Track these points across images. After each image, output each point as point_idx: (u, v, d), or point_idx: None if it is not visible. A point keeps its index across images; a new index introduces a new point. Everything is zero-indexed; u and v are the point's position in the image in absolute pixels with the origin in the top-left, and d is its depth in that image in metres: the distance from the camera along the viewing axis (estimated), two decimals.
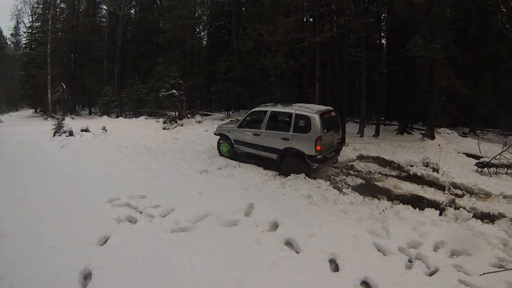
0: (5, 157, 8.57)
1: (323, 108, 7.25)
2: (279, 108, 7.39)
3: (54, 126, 11.98)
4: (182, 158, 7.97)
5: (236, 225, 4.27)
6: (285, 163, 6.76)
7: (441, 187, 6.17)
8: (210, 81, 20.53)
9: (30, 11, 33.69)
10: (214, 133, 8.72)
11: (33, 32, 33.13)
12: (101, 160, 7.83)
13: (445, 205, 5.09)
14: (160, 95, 15.80)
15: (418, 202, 5.16)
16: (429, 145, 10.67)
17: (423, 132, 13.29)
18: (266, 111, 7.40)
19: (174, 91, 15.11)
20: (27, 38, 34.82)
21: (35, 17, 32.63)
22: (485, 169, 7.39)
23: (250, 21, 19.17)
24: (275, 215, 4.43)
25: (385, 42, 17.98)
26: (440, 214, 4.71)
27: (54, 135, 11.52)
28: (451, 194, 5.85)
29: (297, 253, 3.67)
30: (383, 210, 4.65)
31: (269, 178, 6.22)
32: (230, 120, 9.43)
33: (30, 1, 33.08)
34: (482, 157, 7.97)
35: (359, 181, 6.07)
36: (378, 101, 16.43)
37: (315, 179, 6.15)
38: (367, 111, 16.07)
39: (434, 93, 11.74)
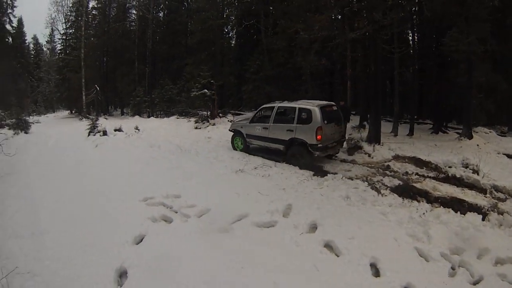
0: (44, 156, 8.97)
1: (324, 102, 8.09)
2: (284, 104, 8.31)
3: (89, 126, 12.45)
4: (215, 158, 8.06)
5: (274, 226, 4.23)
6: (291, 152, 7.63)
7: (482, 190, 5.88)
8: (240, 80, 20.57)
9: (63, 18, 35.24)
10: (229, 130, 9.66)
11: (67, 38, 34.98)
12: (134, 159, 8.03)
13: (487, 210, 4.87)
14: (192, 95, 16.04)
15: (458, 206, 4.94)
16: (467, 145, 10.19)
17: (459, 131, 12.73)
18: (273, 107, 8.31)
19: (205, 90, 15.34)
20: (62, 44, 36.82)
21: (69, 24, 34.34)
22: None
23: (279, 20, 19.18)
24: (314, 216, 4.38)
25: (415, 37, 17.34)
26: (483, 219, 4.49)
27: (88, 135, 11.93)
28: (493, 197, 5.57)
29: (337, 256, 3.60)
30: (423, 213, 4.51)
31: (306, 178, 6.21)
32: (244, 118, 9.84)
33: (63, 10, 34.61)
34: None
35: (397, 182, 5.93)
36: (411, 98, 15.88)
37: (352, 179, 6.08)
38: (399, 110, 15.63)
39: (472, 89, 11.17)
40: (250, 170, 6.80)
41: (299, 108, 7.60)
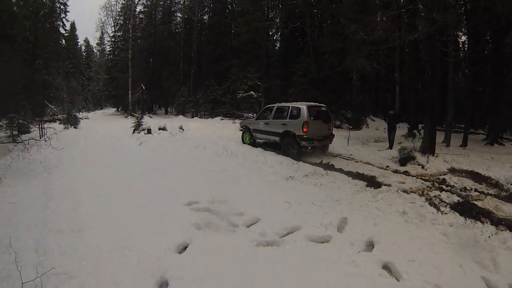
0: (90, 151, 9.34)
1: (313, 103, 9.72)
2: (282, 104, 10.31)
3: (134, 124, 12.97)
4: (264, 162, 8.01)
5: (328, 242, 4.00)
6: (284, 143, 9.38)
7: None
8: (286, 83, 20.55)
9: (112, 22, 38.20)
10: (240, 127, 11.89)
11: (116, 40, 37.57)
12: (179, 159, 8.09)
13: None
14: (238, 97, 16.29)
15: None
16: None
17: None
18: (274, 106, 10.34)
19: (252, 92, 15.54)
20: (111, 46, 39.76)
21: (117, 27, 36.90)
22: None
23: (325, 22, 18.90)
24: (370, 232, 4.17)
25: (468, 41, 16.29)
26: None
27: (133, 132, 12.46)
28: None
29: (397, 280, 3.32)
30: (489, 237, 4.16)
31: (359, 189, 6.03)
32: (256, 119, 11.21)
33: (112, 14, 37.47)
34: None
35: (456, 198, 5.55)
36: (466, 106, 14.99)
37: (407, 192, 5.82)
38: None
39: None
40: (300, 178, 6.70)
41: (292, 107, 9.47)
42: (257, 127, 10.66)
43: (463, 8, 13.46)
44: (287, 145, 9.29)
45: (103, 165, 7.62)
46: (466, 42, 16.78)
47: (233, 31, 27.76)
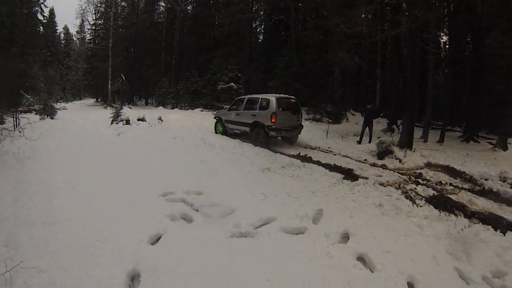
0: (66, 142, 9.07)
1: (282, 95, 10.14)
2: (253, 96, 10.57)
3: (112, 114, 12.70)
4: (241, 154, 7.95)
5: (303, 233, 3.95)
6: (254, 133, 9.60)
7: None
8: (268, 76, 20.44)
9: (93, 9, 36.84)
10: (214, 117, 12.05)
11: (96, 28, 36.21)
12: (156, 150, 7.97)
13: None
14: (218, 88, 16.09)
15: (496, 223, 4.57)
16: (502, 156, 9.69)
17: (491, 141, 12.25)
18: (245, 98, 10.65)
19: (232, 84, 15.36)
20: (91, 34, 38.42)
21: (98, 15, 35.70)
22: None
23: (309, 16, 18.86)
24: (346, 224, 4.12)
25: (449, 41, 16.58)
26: None
27: (111, 123, 12.20)
28: None
29: (372, 271, 3.29)
30: (462, 229, 4.20)
31: (336, 182, 5.98)
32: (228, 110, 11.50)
33: (93, 1, 36.05)
34: None
35: (431, 192, 5.59)
36: (444, 104, 15.30)
37: (384, 185, 5.81)
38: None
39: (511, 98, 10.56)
40: (277, 169, 6.64)
41: (262, 98, 9.70)
42: (229, 117, 10.96)
43: (445, 10, 13.61)
44: (256, 135, 9.52)
45: (79, 156, 7.39)
46: (447, 42, 17.02)
47: (216, 22, 27.36)
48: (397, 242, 3.81)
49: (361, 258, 3.51)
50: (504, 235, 4.15)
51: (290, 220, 4.22)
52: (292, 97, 10.14)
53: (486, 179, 6.74)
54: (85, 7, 38.67)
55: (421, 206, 4.94)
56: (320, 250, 3.57)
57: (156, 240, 3.63)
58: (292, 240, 3.80)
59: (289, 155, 8.28)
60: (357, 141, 10.99)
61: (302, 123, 10.29)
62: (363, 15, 9.23)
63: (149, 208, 4.35)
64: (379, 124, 14.84)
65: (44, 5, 29.72)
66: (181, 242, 3.56)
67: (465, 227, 4.30)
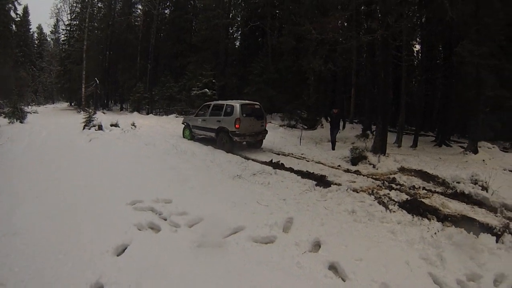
0: (33, 147, 8.72)
1: (247, 101, 10.43)
2: (218, 102, 10.92)
3: (84, 120, 12.35)
4: (212, 160, 7.81)
5: (273, 242, 3.79)
6: (219, 138, 9.81)
7: (492, 209, 5.49)
8: (243, 82, 20.40)
9: (69, 9, 35.58)
10: (182, 123, 12.11)
11: (71, 29, 34.92)
12: (127, 157, 7.77)
13: (499, 230, 4.55)
14: (192, 94, 15.86)
15: (469, 225, 4.56)
16: (472, 159, 10.00)
17: (462, 145, 12.58)
18: (211, 104, 10.89)
19: (206, 90, 15.15)
20: (65, 35, 36.84)
21: (74, 15, 34.42)
22: None
23: (285, 23, 18.96)
24: (317, 232, 3.97)
25: (422, 49, 17.10)
26: (497, 241, 4.21)
27: (83, 128, 11.89)
28: (503, 217, 5.17)
29: (343, 280, 3.15)
30: (435, 233, 4.14)
31: (308, 189, 5.82)
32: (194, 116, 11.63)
33: (69, 1, 34.87)
34: None
35: (404, 196, 5.56)
36: (417, 110, 15.65)
37: (357, 191, 5.70)
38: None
39: (480, 104, 10.92)
40: (248, 177, 6.46)
41: (226, 104, 9.95)
42: (195, 123, 11.14)
43: (417, 20, 13.98)
44: (221, 141, 9.74)
45: (47, 162, 7.04)
46: (420, 51, 17.50)
47: (194, 27, 27.17)
48: (369, 249, 3.69)
49: (332, 267, 3.37)
50: (477, 237, 4.09)
51: (259, 229, 4.03)
52: (256, 103, 10.45)
53: (458, 182, 6.74)
54: (60, 6, 37.64)
55: (394, 212, 4.86)
56: (290, 260, 3.41)
57: (122, 250, 3.44)
58: (261, 249, 3.63)
59: (261, 162, 8.16)
60: (332, 148, 10.60)
61: (267, 129, 10.53)
62: (336, 22, 9.22)
63: (116, 217, 4.16)
64: (354, 130, 15.04)
65: (18, 2, 28.77)
66: (147, 253, 3.39)
67: (438, 231, 4.24)
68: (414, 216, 4.69)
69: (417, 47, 18.55)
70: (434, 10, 10.55)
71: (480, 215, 5.20)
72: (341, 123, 10.62)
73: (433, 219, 4.65)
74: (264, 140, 10.69)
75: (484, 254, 3.73)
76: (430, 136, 15.82)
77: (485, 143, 11.84)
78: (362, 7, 10.50)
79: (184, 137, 11.68)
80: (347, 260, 3.40)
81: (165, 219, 4.22)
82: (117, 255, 3.35)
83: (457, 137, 15.16)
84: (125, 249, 3.46)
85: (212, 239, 3.75)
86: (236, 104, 9.60)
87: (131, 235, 3.73)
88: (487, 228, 4.53)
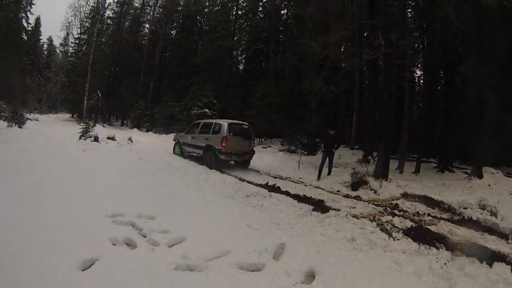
0: (27, 152, 8.61)
1: (235, 121, 10.62)
2: (208, 120, 11.45)
3: (81, 130, 12.42)
4: (206, 180, 7.57)
5: (261, 270, 3.35)
6: (206, 155, 9.90)
7: (502, 235, 5.12)
8: (244, 105, 20.40)
9: (79, 24, 36.22)
10: (173, 140, 12.40)
11: (80, 43, 35.68)
12: (118, 170, 7.60)
13: None
14: (192, 113, 15.74)
15: (480, 254, 4.14)
16: (478, 184, 9.64)
17: (465, 170, 12.25)
18: (200, 122, 11.20)
19: (206, 110, 15.01)
20: (74, 48, 37.57)
21: (83, 30, 35.12)
22: None
23: (289, 46, 19.13)
24: (312, 261, 3.55)
25: (423, 72, 17.05)
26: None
27: (79, 139, 11.89)
28: None
29: None
30: (445, 263, 3.76)
31: (304, 213, 5.42)
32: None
33: (80, 15, 35.66)
34: None
35: (409, 223, 5.17)
36: (419, 135, 15.39)
37: (358, 218, 5.30)
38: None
39: (484, 127, 10.57)
40: (241, 198, 6.15)
41: (215, 123, 10.23)
42: (185, 140, 11.30)
43: (420, 45, 14.00)
44: (208, 158, 9.83)
45: (36, 168, 6.85)
46: (422, 76, 17.46)
47: (199, 49, 27.56)
48: (371, 281, 3.27)
49: None
50: (491, 267, 3.72)
51: (247, 254, 3.62)
52: (245, 123, 10.67)
53: (465, 208, 6.39)
54: (71, 20, 37.82)
55: (398, 240, 4.45)
56: None
57: (89, 265, 3.12)
58: (247, 278, 3.20)
59: (256, 184, 7.82)
60: (318, 177, 9.34)
61: (254, 149, 10.63)
62: (339, 36, 9.15)
63: (91, 229, 3.87)
64: (354, 156, 14.74)
65: (30, 12, 29.41)
66: (115, 271, 3.05)
67: (448, 261, 3.87)
68: (421, 244, 4.30)
69: (418, 72, 18.56)
70: (438, 20, 10.45)
71: (490, 242, 4.83)
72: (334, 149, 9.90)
73: (441, 248, 4.26)
74: (262, 164, 10.79)
75: (500, 286, 3.35)
76: (432, 162, 15.45)
77: (489, 168, 11.49)
78: (364, 21, 10.45)
79: (174, 153, 11.81)
80: None
81: (145, 236, 3.91)
82: (82, 270, 3.04)
83: (459, 163, 14.80)
84: (93, 264, 3.14)
85: (192, 262, 3.34)
86: (224, 123, 9.81)
87: (103, 250, 3.42)
88: (500, 257, 4.14)
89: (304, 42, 11.45)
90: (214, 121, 10.56)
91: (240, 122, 10.69)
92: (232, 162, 10.20)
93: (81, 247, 3.36)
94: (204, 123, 10.89)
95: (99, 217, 4.32)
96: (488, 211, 6.14)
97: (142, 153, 10.59)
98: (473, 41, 10.02)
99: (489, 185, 9.62)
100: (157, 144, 14.23)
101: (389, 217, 5.55)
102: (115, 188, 5.91)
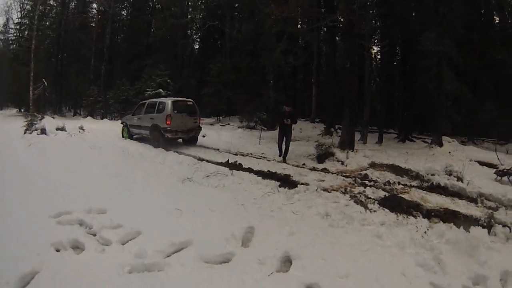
0: None
1: (179, 98, 10.82)
2: (153, 100, 11.12)
3: (26, 123, 11.61)
4: (162, 163, 7.04)
5: (229, 261, 2.90)
6: (153, 135, 9.77)
7: (471, 199, 5.22)
8: (201, 84, 19.79)
9: (19, 7, 32.48)
10: (120, 123, 12.18)
11: (21, 28, 32.13)
12: (67, 162, 6.83)
13: (485, 221, 4.05)
14: (146, 95, 14.87)
15: (454, 218, 4.14)
16: (439, 152, 10.06)
17: (425, 140, 12.78)
18: (146, 102, 11.01)
19: (161, 90, 14.19)
20: (15, 34, 33.79)
21: (24, 13, 31.62)
22: (505, 178, 6.77)
23: (246, 20, 18.50)
24: (286, 244, 3.11)
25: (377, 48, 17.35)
26: (489, 233, 3.61)
27: (25, 133, 11.07)
28: (484, 207, 4.86)
29: None
30: (425, 232, 3.57)
31: (271, 190, 5.01)
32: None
33: None
34: (497, 166, 7.55)
35: (381, 193, 4.99)
36: (381, 107, 15.61)
37: (329, 191, 5.00)
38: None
39: (442, 97, 11.04)
40: (200, 179, 5.63)
41: (159, 102, 10.19)
42: (132, 122, 11.08)
43: (379, 21, 14.01)
44: (154, 138, 9.71)
45: None
46: (378, 52, 17.68)
47: (152, 29, 26.10)
48: (355, 260, 2.93)
49: None
50: (468, 231, 3.53)
51: (211, 243, 3.13)
52: (190, 99, 10.62)
53: (432, 174, 6.55)
54: (11, 3, 33.94)
55: (375, 211, 4.21)
56: (252, 285, 2.56)
57: (28, 281, 2.58)
58: (214, 272, 2.74)
59: (216, 163, 7.40)
60: (282, 157, 8.33)
61: (201, 125, 10.65)
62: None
63: (31, 235, 3.27)
64: (316, 129, 14.82)
65: None
66: (59, 283, 2.55)
67: (427, 229, 3.72)
68: (398, 214, 4.12)
69: (375, 49, 18.77)
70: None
71: (462, 207, 4.88)
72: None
73: (418, 216, 4.15)
74: (220, 141, 10.69)
75: (481, 250, 3.19)
76: (392, 133, 15.87)
77: (445, 137, 11.96)
78: None
79: (123, 136, 11.55)
80: (329, 279, 2.61)
81: (94, 235, 3.36)
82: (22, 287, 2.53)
83: (417, 134, 15.35)
84: (32, 278, 2.60)
85: (149, 260, 2.83)
86: (168, 101, 9.75)
87: (45, 258, 2.84)
88: (474, 220, 4.17)
89: (263, 8, 10.89)
90: (158, 100, 10.52)
91: (184, 99, 10.71)
92: (180, 140, 10.11)
93: (17, 260, 2.81)
94: (149, 102, 10.74)
95: (41, 218, 3.71)
96: (454, 177, 6.35)
97: (93, 142, 9.75)
98: (432, 15, 10.32)
99: (449, 152, 10.00)
100: (110, 131, 13.35)
101: (361, 188, 5.40)
102: (62, 183, 5.21)
